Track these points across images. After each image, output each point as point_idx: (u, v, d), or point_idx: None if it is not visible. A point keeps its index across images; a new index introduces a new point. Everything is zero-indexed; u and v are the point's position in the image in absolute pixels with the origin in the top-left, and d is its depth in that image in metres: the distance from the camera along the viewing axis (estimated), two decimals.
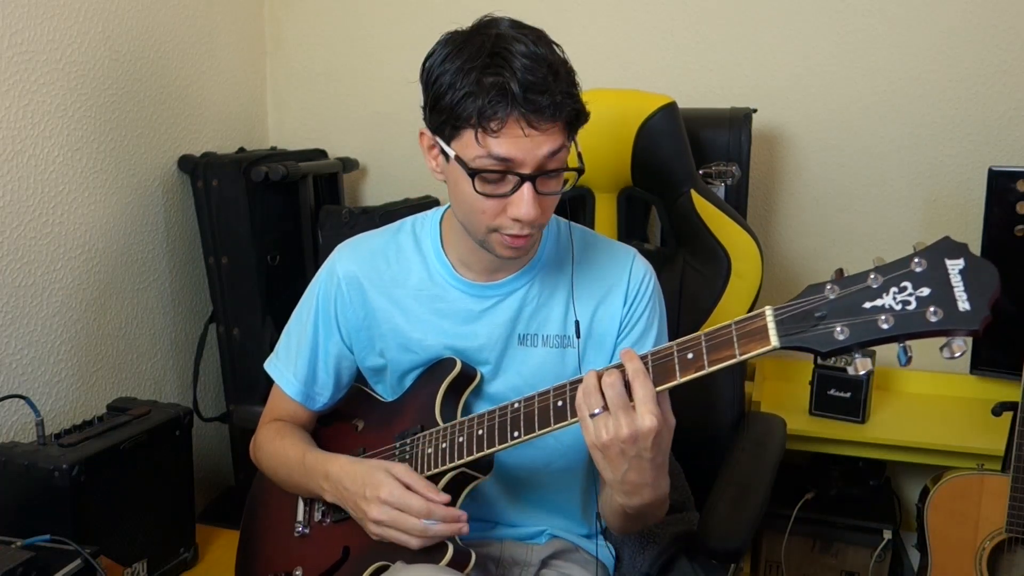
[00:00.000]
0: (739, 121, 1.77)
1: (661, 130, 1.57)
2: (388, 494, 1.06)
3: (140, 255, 1.96)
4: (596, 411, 0.93)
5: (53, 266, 1.73)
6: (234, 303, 2.07)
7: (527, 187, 1.00)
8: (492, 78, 0.96)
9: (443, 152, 1.05)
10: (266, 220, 2.05)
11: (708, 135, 1.76)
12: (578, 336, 1.16)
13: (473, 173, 1.00)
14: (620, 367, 0.95)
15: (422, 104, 1.06)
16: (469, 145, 1.00)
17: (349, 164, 2.31)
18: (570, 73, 1.04)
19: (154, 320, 2.02)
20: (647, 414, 0.91)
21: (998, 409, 1.68)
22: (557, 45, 1.04)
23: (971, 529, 1.61)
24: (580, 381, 1.00)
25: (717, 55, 2.07)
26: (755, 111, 1.81)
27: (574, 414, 0.99)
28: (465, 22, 1.08)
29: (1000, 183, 1.75)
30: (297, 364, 1.28)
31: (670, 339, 1.25)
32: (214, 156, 2.07)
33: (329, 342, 1.27)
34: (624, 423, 0.92)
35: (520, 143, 0.98)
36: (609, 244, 1.26)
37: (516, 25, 1.03)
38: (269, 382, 1.34)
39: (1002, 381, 1.87)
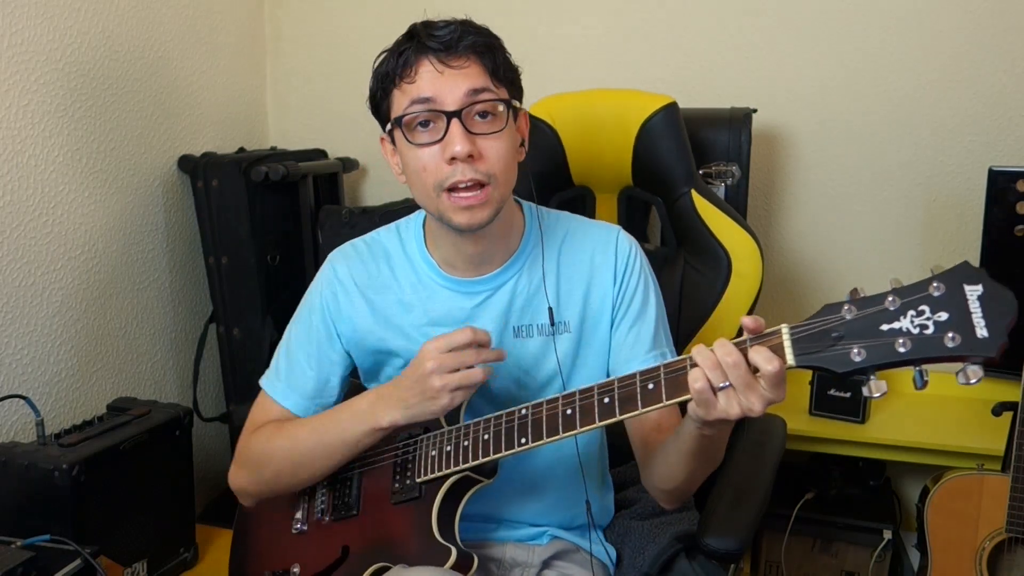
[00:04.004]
0: (739, 121, 1.77)
1: (662, 130, 1.57)
2: (432, 354, 1.04)
3: (140, 255, 1.96)
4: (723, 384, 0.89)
5: (53, 266, 1.73)
6: (234, 303, 2.07)
7: (454, 123, 1.05)
8: (407, 39, 1.08)
9: (391, 139, 1.12)
10: (266, 220, 2.05)
11: (708, 135, 1.76)
12: (552, 323, 1.17)
13: (399, 120, 1.07)
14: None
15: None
16: (398, 102, 1.08)
17: (349, 164, 2.31)
18: (490, 31, 1.11)
19: (154, 320, 2.02)
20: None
21: (998, 409, 1.68)
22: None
23: (971, 529, 1.61)
24: (590, 390, 1.00)
25: (717, 55, 2.06)
26: (755, 111, 1.81)
27: (583, 424, 0.99)
28: None
29: (1000, 183, 1.75)
30: (304, 382, 1.25)
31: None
32: (214, 156, 2.07)
33: (332, 351, 1.25)
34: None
35: (437, 81, 1.05)
36: (592, 225, 1.26)
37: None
38: None
39: (1002, 381, 1.86)
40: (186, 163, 2.05)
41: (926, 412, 1.95)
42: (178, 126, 2.06)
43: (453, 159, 1.05)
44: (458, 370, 1.05)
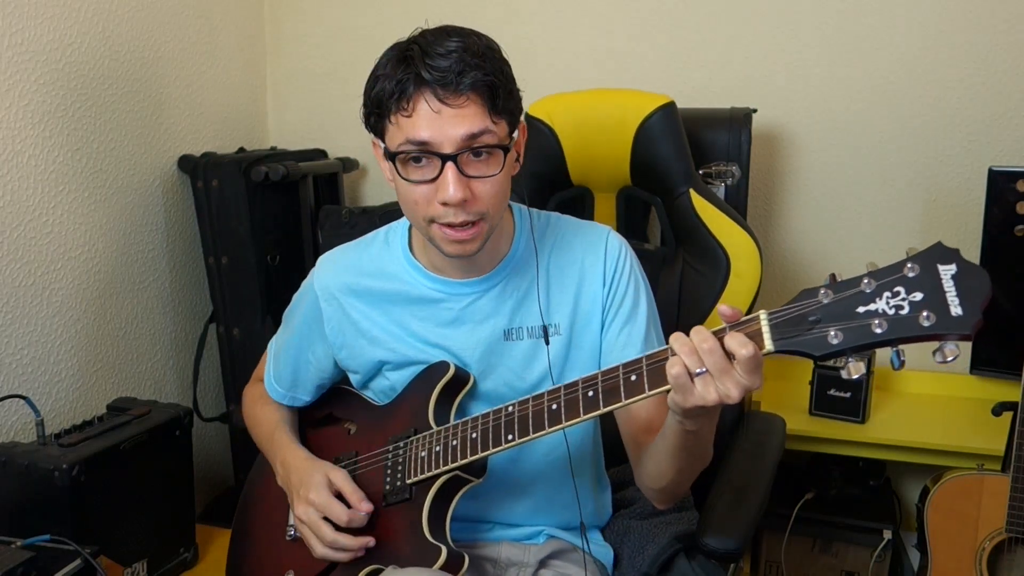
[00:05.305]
0: (739, 121, 1.77)
1: (660, 130, 1.57)
2: (316, 496, 1.16)
3: (140, 255, 1.96)
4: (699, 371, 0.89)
5: (53, 266, 1.73)
6: (234, 303, 2.07)
7: (449, 167, 1.02)
8: (404, 63, 1.01)
9: (384, 151, 1.08)
10: (266, 220, 2.06)
11: (708, 135, 1.76)
12: (547, 342, 1.17)
13: (393, 155, 1.04)
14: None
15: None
16: (393, 134, 1.04)
17: (349, 164, 2.31)
18: (492, 53, 1.04)
19: (154, 320, 2.02)
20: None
21: (998, 409, 1.68)
22: (484, 37, 1.06)
23: (971, 529, 1.61)
24: (575, 385, 1.00)
25: (717, 55, 2.06)
26: (755, 111, 1.81)
27: (568, 418, 1.00)
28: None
29: (1000, 183, 1.75)
30: (282, 373, 1.35)
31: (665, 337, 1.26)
32: (214, 156, 2.07)
33: (311, 353, 1.30)
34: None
35: (434, 122, 1.00)
36: (583, 226, 1.25)
37: (447, 27, 1.05)
38: None
39: (1002, 381, 1.86)
40: (186, 163, 2.05)
41: (926, 412, 1.95)
42: (178, 126, 2.06)
43: (445, 203, 1.03)
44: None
